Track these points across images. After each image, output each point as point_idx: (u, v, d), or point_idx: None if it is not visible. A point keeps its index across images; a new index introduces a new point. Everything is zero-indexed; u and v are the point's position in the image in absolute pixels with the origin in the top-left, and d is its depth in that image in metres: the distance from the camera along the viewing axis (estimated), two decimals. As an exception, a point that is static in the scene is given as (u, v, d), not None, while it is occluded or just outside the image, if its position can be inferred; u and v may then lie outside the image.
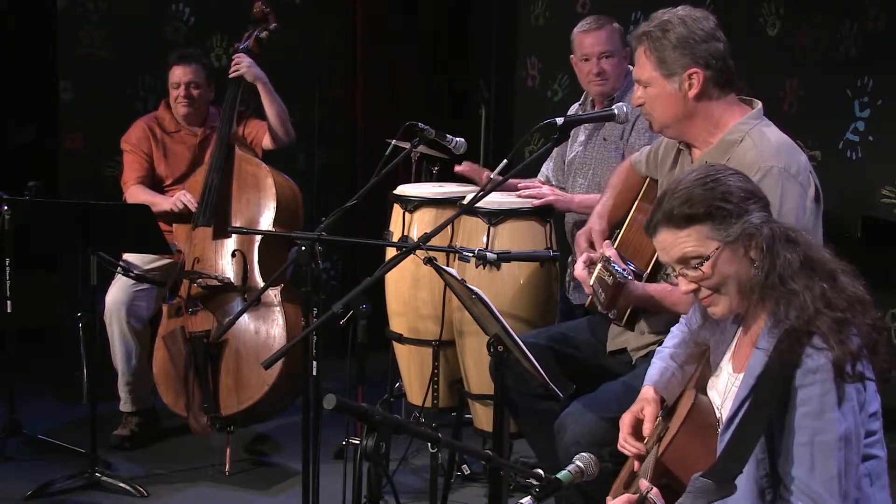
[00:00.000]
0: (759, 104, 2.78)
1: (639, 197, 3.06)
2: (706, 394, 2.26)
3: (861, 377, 1.99)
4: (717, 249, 2.09)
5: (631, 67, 3.91)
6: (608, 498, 2.22)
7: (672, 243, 2.14)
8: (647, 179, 3.07)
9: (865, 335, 2.01)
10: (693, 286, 2.14)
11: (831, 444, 1.97)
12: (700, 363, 2.35)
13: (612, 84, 3.89)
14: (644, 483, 2.12)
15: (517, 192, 3.68)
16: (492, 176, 3.36)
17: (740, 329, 2.22)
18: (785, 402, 2.00)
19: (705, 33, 2.72)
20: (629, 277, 2.73)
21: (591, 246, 3.08)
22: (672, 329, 2.53)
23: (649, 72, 2.74)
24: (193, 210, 4.27)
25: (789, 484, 2.00)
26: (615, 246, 2.97)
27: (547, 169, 4.15)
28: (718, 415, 2.19)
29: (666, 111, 2.76)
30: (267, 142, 4.48)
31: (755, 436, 1.99)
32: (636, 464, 2.34)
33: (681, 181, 2.16)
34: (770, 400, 1.99)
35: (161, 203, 4.35)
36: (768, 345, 2.04)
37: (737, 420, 2.04)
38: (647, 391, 2.41)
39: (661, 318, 2.84)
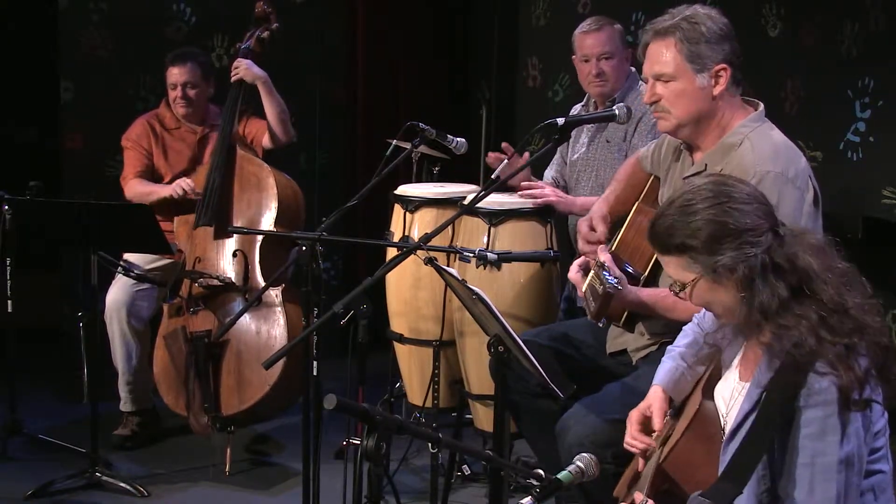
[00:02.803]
0: (761, 106, 2.75)
1: (640, 198, 3.04)
2: (713, 397, 2.24)
3: (867, 403, 1.96)
4: (693, 280, 2.10)
5: (632, 69, 3.92)
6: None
7: (662, 260, 2.18)
8: (651, 178, 3.04)
9: (874, 356, 1.98)
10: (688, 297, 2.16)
11: (832, 466, 1.94)
12: (711, 363, 2.33)
13: (611, 85, 3.89)
14: (639, 496, 2.11)
15: (518, 192, 3.68)
16: (492, 177, 3.35)
17: None
18: (788, 422, 1.98)
19: (729, 30, 2.69)
20: (619, 288, 2.67)
21: (592, 229, 3.06)
22: (684, 328, 2.49)
23: (677, 65, 2.66)
24: (194, 197, 4.26)
25: None
26: (614, 246, 2.96)
27: (550, 170, 4.15)
28: (723, 422, 2.17)
29: (688, 107, 2.69)
30: (266, 141, 4.46)
31: (756, 459, 1.96)
32: (640, 462, 2.33)
33: (672, 202, 2.12)
34: (772, 425, 1.97)
35: (160, 191, 4.34)
36: (766, 379, 2.01)
37: (739, 436, 2.02)
38: (656, 391, 2.39)
39: (660, 320, 2.84)
